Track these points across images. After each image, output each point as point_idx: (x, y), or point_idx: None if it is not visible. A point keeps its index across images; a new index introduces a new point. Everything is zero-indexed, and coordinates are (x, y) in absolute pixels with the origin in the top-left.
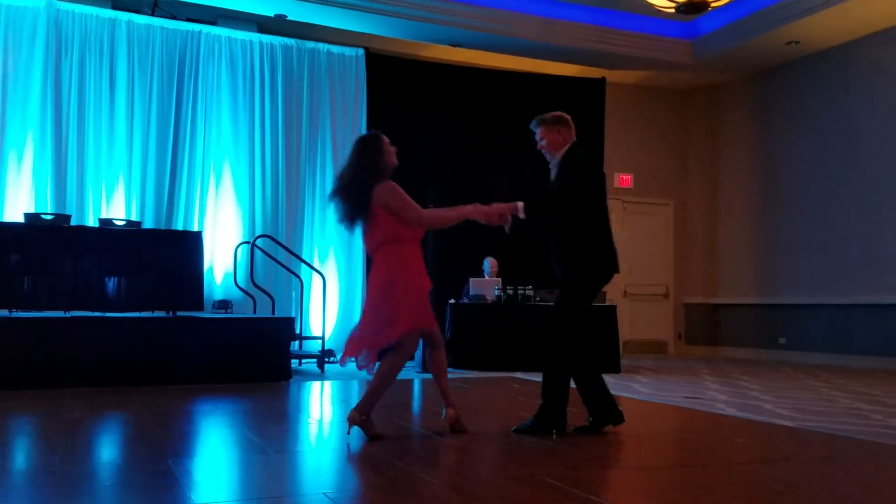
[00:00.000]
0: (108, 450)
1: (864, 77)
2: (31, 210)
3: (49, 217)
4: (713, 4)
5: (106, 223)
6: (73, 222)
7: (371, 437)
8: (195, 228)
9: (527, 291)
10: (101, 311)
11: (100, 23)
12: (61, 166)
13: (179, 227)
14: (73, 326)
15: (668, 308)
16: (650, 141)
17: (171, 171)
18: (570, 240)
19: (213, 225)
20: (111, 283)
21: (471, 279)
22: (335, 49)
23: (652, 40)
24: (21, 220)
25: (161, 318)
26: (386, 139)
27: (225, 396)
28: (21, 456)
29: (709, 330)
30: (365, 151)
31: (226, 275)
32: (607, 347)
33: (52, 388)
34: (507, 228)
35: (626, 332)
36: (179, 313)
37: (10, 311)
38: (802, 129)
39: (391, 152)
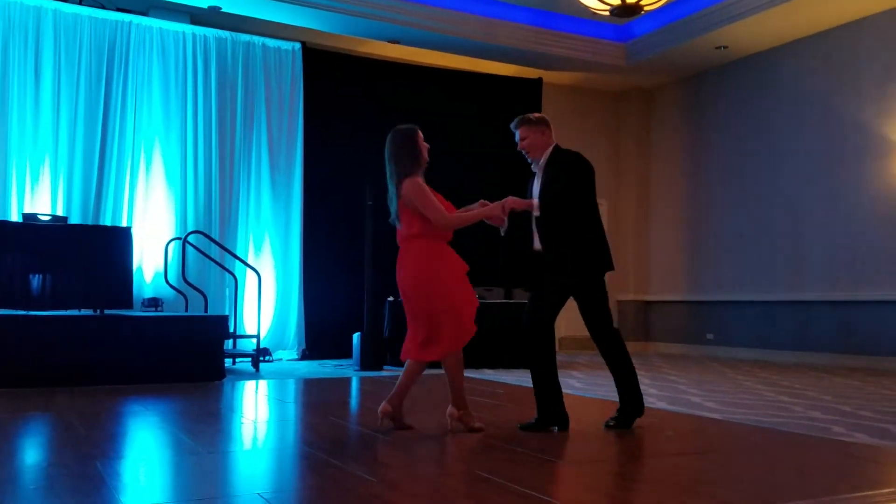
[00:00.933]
0: (32, 452)
1: (788, 82)
2: (30, 210)
3: None
4: (646, 8)
5: (30, 218)
6: None
7: (473, 429)
8: (124, 224)
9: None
10: (25, 309)
11: (24, 10)
12: None
13: (108, 222)
14: None
15: None
16: (585, 142)
17: (99, 165)
18: (573, 238)
19: (143, 220)
20: (36, 281)
21: None
22: (271, 43)
23: (587, 42)
24: (18, 219)
25: (88, 317)
26: (421, 134)
27: (156, 397)
28: None
29: (640, 326)
30: (400, 143)
31: (156, 272)
32: None
33: None
34: (502, 231)
35: (561, 328)
36: (107, 311)
37: (27, 311)
38: (729, 132)
39: (425, 147)
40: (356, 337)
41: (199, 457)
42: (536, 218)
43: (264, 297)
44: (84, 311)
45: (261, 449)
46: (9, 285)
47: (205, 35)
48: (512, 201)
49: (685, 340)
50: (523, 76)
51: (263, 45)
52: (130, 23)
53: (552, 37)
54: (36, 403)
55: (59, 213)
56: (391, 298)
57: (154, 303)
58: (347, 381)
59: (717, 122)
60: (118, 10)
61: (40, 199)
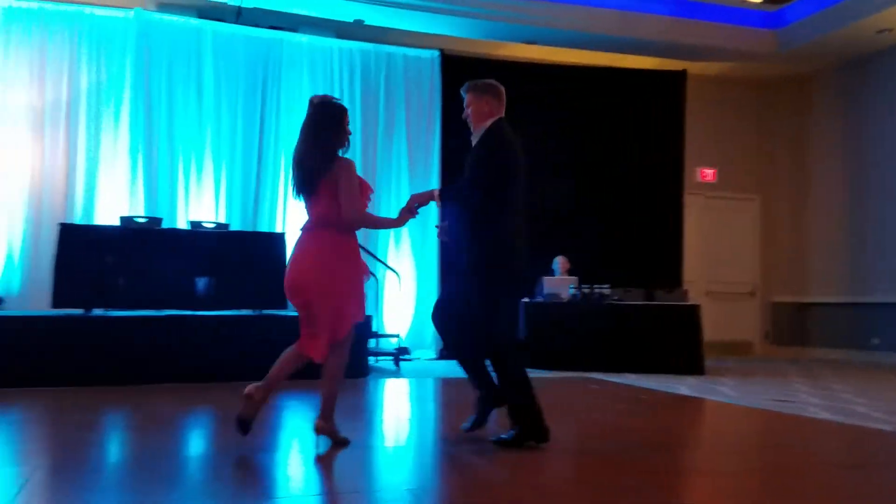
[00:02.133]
0: (197, 443)
1: None
2: (126, 213)
3: (142, 220)
4: None
5: (196, 225)
6: (165, 225)
7: (337, 442)
8: (279, 230)
9: (604, 290)
10: (191, 309)
11: (187, 32)
12: (152, 171)
13: (264, 228)
14: (165, 324)
15: (754, 307)
16: (734, 134)
17: (256, 175)
18: (478, 228)
19: (295, 226)
20: (201, 283)
21: (544, 278)
22: (411, 52)
23: (735, 31)
24: (117, 223)
25: (248, 316)
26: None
27: (306, 392)
28: (114, 449)
29: (797, 330)
30: (331, 115)
31: None
32: (690, 348)
33: (144, 384)
34: (441, 234)
35: (708, 332)
36: (264, 311)
37: (106, 310)
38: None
39: (348, 132)
40: None
41: (348, 451)
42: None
43: (403, 296)
44: (243, 311)
45: (404, 446)
46: (177, 287)
47: (350, 48)
48: (415, 197)
49: (847, 345)
50: (666, 69)
51: (404, 55)
52: (282, 40)
53: (696, 27)
54: (198, 397)
55: (222, 220)
56: (526, 300)
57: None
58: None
59: (881, 110)
60: (271, 27)
61: (205, 207)
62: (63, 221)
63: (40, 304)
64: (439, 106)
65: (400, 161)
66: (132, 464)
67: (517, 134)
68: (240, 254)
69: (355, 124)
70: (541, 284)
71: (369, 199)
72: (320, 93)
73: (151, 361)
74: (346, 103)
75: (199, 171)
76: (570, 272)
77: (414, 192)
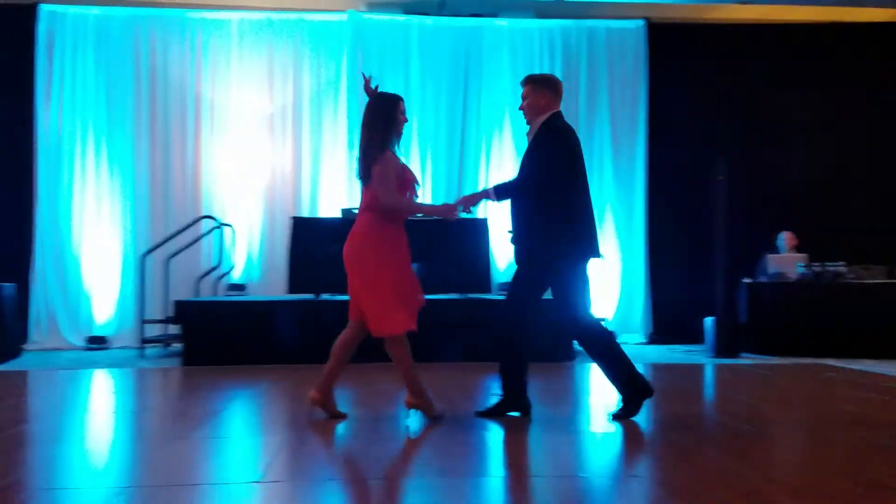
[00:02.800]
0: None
1: None
2: (347, 206)
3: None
4: None
5: None
6: None
7: (432, 417)
8: (480, 216)
9: (838, 268)
10: None
11: (394, 29)
12: None
13: (464, 214)
14: None
15: None
16: None
17: (459, 163)
18: (542, 218)
19: (496, 211)
20: (414, 269)
21: (768, 255)
22: (614, 24)
23: None
24: (339, 214)
25: (454, 300)
26: (402, 105)
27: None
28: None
29: None
30: (377, 116)
31: (509, 260)
32: None
33: (368, 362)
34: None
35: None
36: (470, 295)
37: (332, 296)
38: None
39: (402, 120)
40: (708, 321)
41: (560, 435)
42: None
43: (608, 279)
44: (451, 295)
45: (613, 432)
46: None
47: (550, 27)
48: (464, 200)
49: None
50: None
51: (607, 28)
52: (483, 26)
53: None
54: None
55: None
56: (748, 280)
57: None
58: (700, 367)
59: None
60: (472, 15)
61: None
62: (294, 215)
63: (276, 289)
64: (645, 77)
65: (602, 137)
66: (365, 437)
67: (572, 129)
68: (444, 240)
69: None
70: (764, 263)
71: (413, 190)
72: (520, 74)
73: (369, 342)
74: None
75: (407, 161)
76: (798, 249)
77: (464, 195)
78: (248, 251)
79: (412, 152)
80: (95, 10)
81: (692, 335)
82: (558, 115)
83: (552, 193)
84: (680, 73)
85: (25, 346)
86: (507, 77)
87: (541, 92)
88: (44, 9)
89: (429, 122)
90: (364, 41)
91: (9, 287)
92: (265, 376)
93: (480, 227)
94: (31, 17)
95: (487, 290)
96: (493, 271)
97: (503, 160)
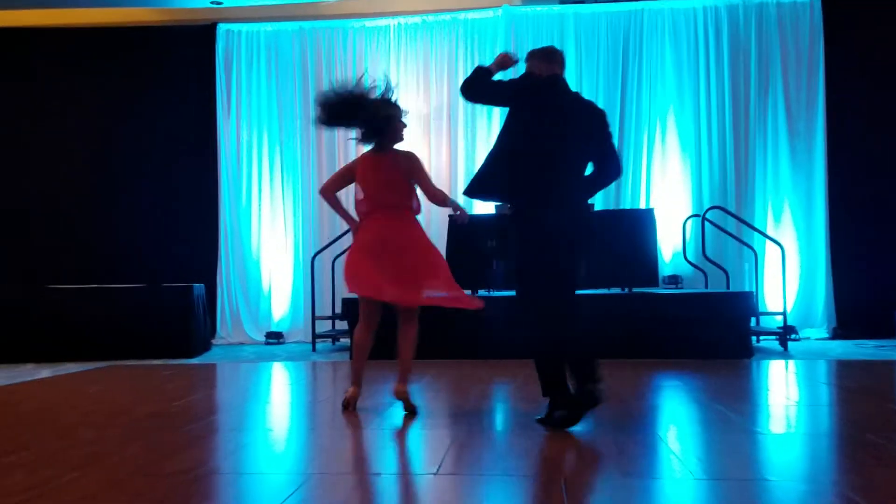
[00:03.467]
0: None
1: None
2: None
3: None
4: None
5: None
6: None
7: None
8: (643, 205)
9: None
10: None
11: (549, 20)
12: None
13: (627, 205)
14: None
15: None
16: None
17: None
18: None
19: (660, 200)
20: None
21: None
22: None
23: None
24: (493, 211)
25: (619, 295)
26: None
27: (687, 372)
28: (500, 417)
29: None
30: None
31: (674, 250)
32: None
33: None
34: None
35: None
36: (635, 289)
37: (489, 291)
38: None
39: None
40: None
41: (748, 436)
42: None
43: (788, 269)
44: (613, 290)
45: (806, 432)
46: None
47: (715, 6)
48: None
49: None
50: None
51: (777, 3)
52: (643, 10)
53: None
54: None
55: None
56: None
57: (674, 280)
58: (893, 364)
59: None
60: None
61: None
62: (449, 214)
63: None
64: (821, 56)
65: (776, 118)
66: (516, 432)
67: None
68: (607, 232)
69: (723, 87)
70: None
71: (362, 190)
72: (683, 58)
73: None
74: (711, 65)
75: None
76: None
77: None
78: None
79: None
80: (267, 27)
81: (881, 329)
82: (556, 77)
83: (514, 158)
84: (859, 49)
85: (214, 341)
86: (669, 64)
87: (532, 62)
88: (221, 28)
89: None
90: (519, 34)
91: (199, 287)
92: (427, 370)
93: (646, 217)
94: (210, 37)
95: (655, 283)
96: (660, 264)
97: (667, 153)
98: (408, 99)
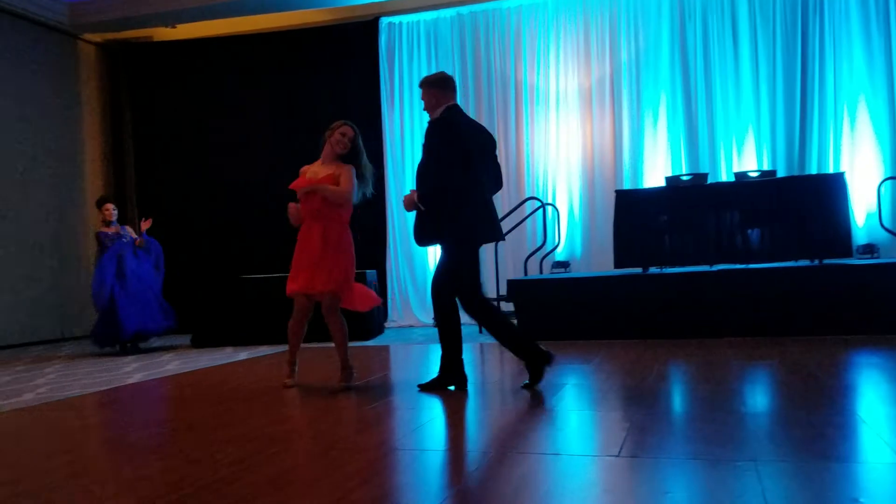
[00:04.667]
0: (759, 400)
1: None
2: (669, 173)
3: (687, 178)
4: None
5: (741, 176)
6: (709, 180)
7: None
8: (830, 170)
9: None
10: (744, 262)
11: None
12: (692, 127)
13: (813, 171)
14: (719, 279)
15: None
16: None
17: (800, 116)
18: (444, 205)
19: (849, 164)
20: (752, 235)
21: None
22: None
23: None
24: (662, 184)
25: (809, 268)
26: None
27: (887, 349)
28: (677, 400)
29: None
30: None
31: (868, 216)
32: None
33: (705, 338)
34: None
35: None
36: (825, 261)
37: (661, 269)
38: None
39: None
40: None
41: None
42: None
43: None
44: (801, 262)
45: None
46: (728, 241)
47: None
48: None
49: None
50: None
51: None
52: None
53: None
54: (763, 352)
55: (765, 167)
56: None
57: (869, 249)
58: None
59: None
60: None
61: (747, 157)
62: (616, 188)
63: (599, 265)
64: None
65: None
66: (699, 415)
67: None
68: (792, 201)
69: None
70: None
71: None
72: (871, 15)
73: (710, 316)
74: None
75: (739, 121)
76: None
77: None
78: (569, 229)
79: (743, 113)
80: (426, 16)
81: None
82: (451, 108)
83: (448, 182)
84: None
85: (386, 324)
86: (854, 17)
87: (430, 91)
88: (383, 21)
89: (762, 79)
90: (685, 3)
91: (371, 274)
92: (597, 351)
93: (836, 182)
94: (373, 30)
95: (848, 253)
96: (854, 231)
97: (857, 112)
98: (567, 75)
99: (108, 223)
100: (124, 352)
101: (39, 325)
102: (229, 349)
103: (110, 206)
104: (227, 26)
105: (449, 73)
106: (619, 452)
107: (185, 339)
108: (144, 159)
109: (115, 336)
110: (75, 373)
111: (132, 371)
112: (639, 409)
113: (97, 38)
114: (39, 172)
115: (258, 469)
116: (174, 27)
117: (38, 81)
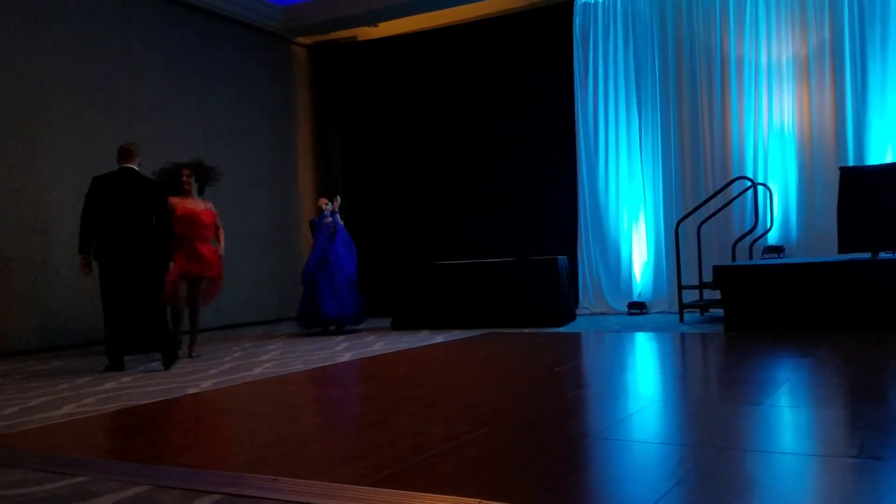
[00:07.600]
0: None
1: None
2: None
3: None
4: None
5: None
6: None
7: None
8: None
9: None
10: None
11: None
12: None
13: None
14: None
15: None
16: None
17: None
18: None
19: None
20: None
21: None
22: None
23: None
24: (893, 160)
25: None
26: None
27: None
28: None
29: None
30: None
31: None
32: None
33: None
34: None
35: None
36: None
37: (893, 254)
38: None
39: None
40: None
41: None
42: None
43: None
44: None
45: None
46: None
47: None
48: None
49: None
50: None
51: None
52: None
53: None
54: None
55: None
56: None
57: None
58: None
59: None
60: None
61: None
62: (840, 165)
63: (818, 250)
64: None
65: None
66: None
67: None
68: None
69: None
70: None
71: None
72: None
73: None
74: None
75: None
76: None
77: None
78: (783, 210)
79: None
80: None
81: None
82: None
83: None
84: None
85: (578, 311)
86: None
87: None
88: (578, 3)
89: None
90: None
91: (562, 259)
92: (818, 343)
93: None
94: (567, 13)
95: None
96: None
97: None
98: (779, 44)
99: (322, 214)
100: (326, 332)
101: (260, 305)
102: (425, 332)
103: (324, 199)
104: (425, 21)
105: (647, 52)
106: (859, 453)
107: (386, 322)
108: (350, 154)
109: (315, 318)
110: (295, 350)
111: (343, 350)
112: (874, 408)
113: (307, 40)
114: (260, 170)
115: (468, 448)
116: (376, 26)
117: (258, 84)
